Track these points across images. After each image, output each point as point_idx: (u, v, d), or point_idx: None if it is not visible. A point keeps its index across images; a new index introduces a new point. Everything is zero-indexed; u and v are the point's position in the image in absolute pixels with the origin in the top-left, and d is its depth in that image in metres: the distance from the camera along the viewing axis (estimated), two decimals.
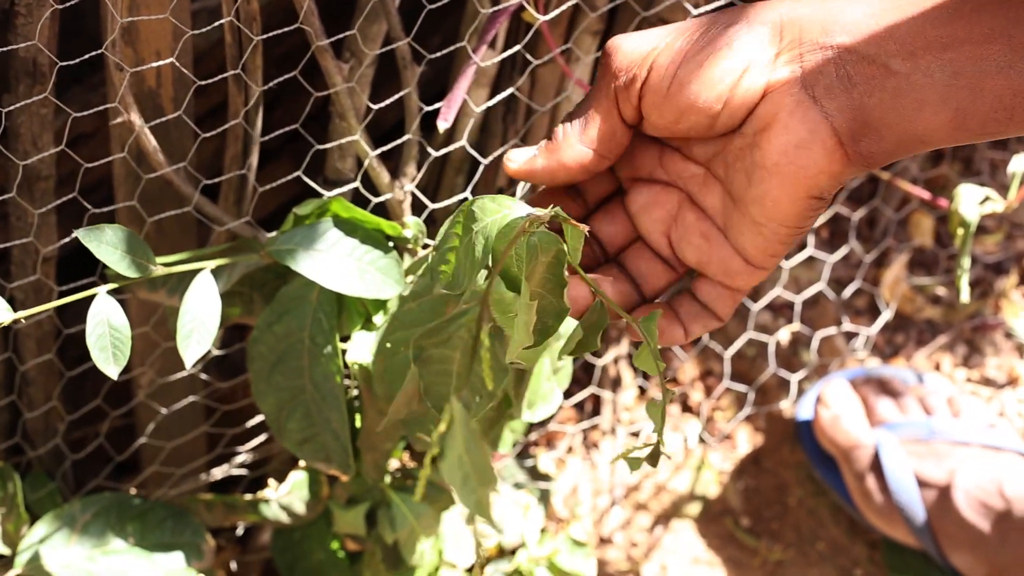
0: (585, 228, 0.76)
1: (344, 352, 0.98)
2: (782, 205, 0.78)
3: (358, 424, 1.05)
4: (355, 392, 1.05)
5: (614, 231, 0.87)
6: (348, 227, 0.95)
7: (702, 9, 1.08)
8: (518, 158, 0.84)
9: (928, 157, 1.66)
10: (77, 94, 1.11)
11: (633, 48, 0.80)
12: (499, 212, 0.79)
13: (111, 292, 0.88)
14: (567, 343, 0.80)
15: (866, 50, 0.75)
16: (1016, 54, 0.73)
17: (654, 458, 0.80)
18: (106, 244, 0.86)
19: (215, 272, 0.94)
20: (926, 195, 1.37)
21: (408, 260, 1.01)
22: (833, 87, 0.76)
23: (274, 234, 0.97)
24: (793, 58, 0.77)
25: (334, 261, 0.93)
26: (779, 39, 0.77)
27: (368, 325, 0.98)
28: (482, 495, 0.68)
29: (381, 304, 0.98)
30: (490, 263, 0.78)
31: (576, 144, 0.82)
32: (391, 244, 0.96)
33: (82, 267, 1.12)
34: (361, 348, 0.98)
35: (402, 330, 0.94)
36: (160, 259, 0.93)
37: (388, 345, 0.95)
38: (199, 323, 0.89)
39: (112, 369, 0.86)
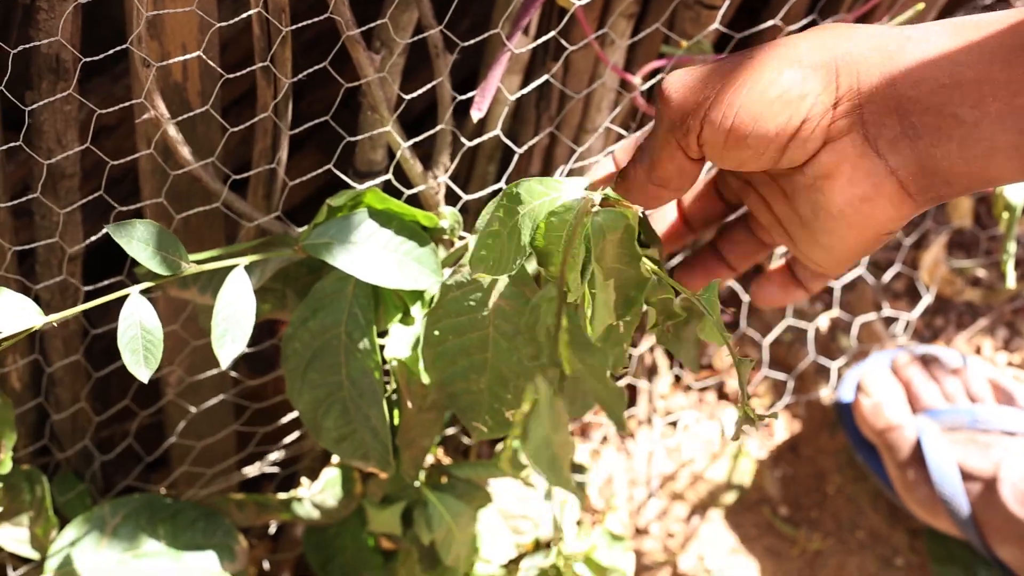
0: (639, 209, 0.74)
1: (382, 348, 0.96)
2: (849, 241, 0.77)
3: (396, 421, 1.03)
4: (392, 388, 1.02)
5: (702, 206, 0.88)
6: (383, 218, 0.92)
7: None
8: (599, 171, 0.86)
9: None
10: (99, 85, 1.09)
11: (684, 97, 0.77)
12: (547, 195, 0.77)
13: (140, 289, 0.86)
14: (631, 326, 0.80)
15: (931, 100, 0.71)
16: None
17: (750, 420, 0.78)
18: (137, 240, 0.84)
19: (247, 268, 0.91)
20: None
21: (443, 251, 0.98)
22: (897, 140, 0.73)
23: (306, 228, 0.94)
24: (852, 108, 0.73)
25: (370, 253, 0.91)
26: (835, 86, 0.74)
27: (405, 319, 0.96)
28: (567, 473, 0.68)
29: (419, 296, 0.95)
30: (541, 245, 0.77)
31: (648, 185, 0.81)
32: (427, 234, 0.94)
33: (108, 265, 1.09)
34: (399, 343, 0.96)
35: (448, 318, 0.92)
36: (191, 256, 0.91)
37: (436, 333, 0.92)
38: (234, 321, 0.86)
39: (144, 372, 0.84)
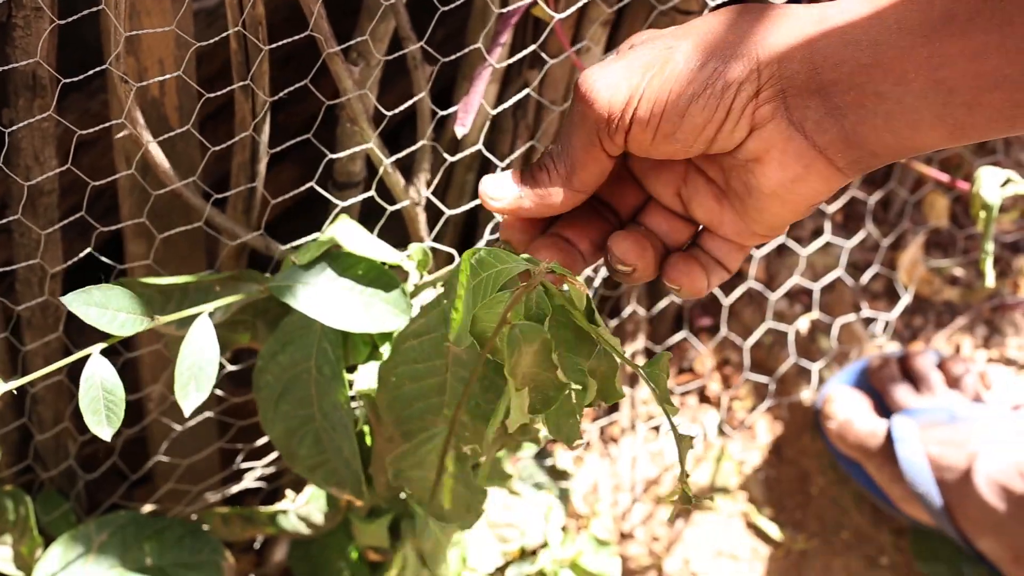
0: (586, 289, 0.74)
1: (351, 383, 0.96)
2: (784, 215, 0.78)
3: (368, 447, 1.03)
4: (364, 421, 1.03)
5: (624, 193, 0.85)
6: (349, 261, 0.92)
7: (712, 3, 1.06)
8: (501, 195, 0.81)
9: None
10: (75, 101, 1.08)
11: (610, 96, 0.76)
12: (499, 266, 0.76)
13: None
14: (586, 395, 0.78)
15: (853, 80, 0.72)
16: (1013, 67, 0.69)
17: (687, 499, 0.78)
18: (95, 307, 0.84)
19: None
20: (944, 177, 1.34)
21: (413, 283, 0.98)
22: (822, 120, 0.73)
23: (284, 249, 0.94)
24: (775, 94, 0.74)
25: (336, 297, 0.91)
26: (757, 74, 0.74)
27: (374, 354, 0.96)
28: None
29: (387, 336, 0.96)
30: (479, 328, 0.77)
31: (562, 189, 0.80)
32: (394, 275, 0.94)
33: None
34: (368, 378, 0.97)
35: (404, 365, 0.92)
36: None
37: (393, 379, 0.93)
38: (198, 369, 0.86)
39: (106, 431, 0.84)
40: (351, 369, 0.97)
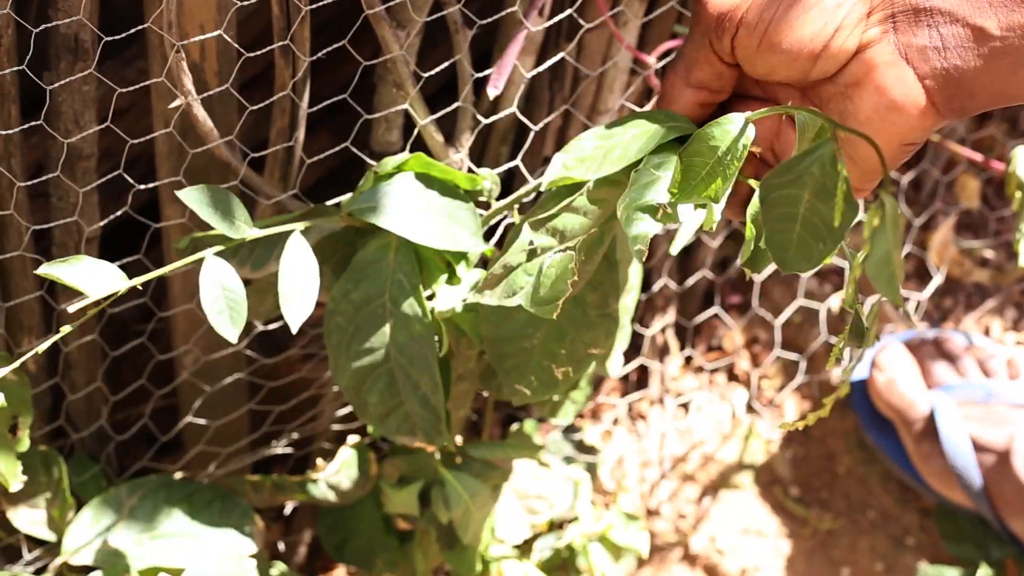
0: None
1: (432, 310, 0.96)
2: (877, 155, 0.77)
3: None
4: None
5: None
6: (426, 181, 0.92)
7: None
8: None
9: (974, 117, 1.63)
10: (111, 68, 1.09)
11: (722, 3, 0.78)
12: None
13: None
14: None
15: (960, 12, 0.73)
16: None
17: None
18: (208, 205, 0.84)
19: (276, 238, 0.92)
20: (978, 157, 1.34)
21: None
22: (926, 51, 0.74)
23: (350, 196, 0.94)
24: (885, 18, 0.75)
25: (416, 215, 0.91)
26: None
27: (452, 279, 0.96)
28: (899, 290, 0.70)
29: (462, 256, 0.95)
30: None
31: (685, 89, 0.82)
32: (468, 197, 0.93)
33: (124, 247, 1.09)
34: (448, 300, 0.96)
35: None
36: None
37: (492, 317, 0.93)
38: (299, 284, 0.86)
39: (231, 331, 0.84)
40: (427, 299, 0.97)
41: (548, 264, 0.82)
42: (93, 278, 0.82)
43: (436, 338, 0.95)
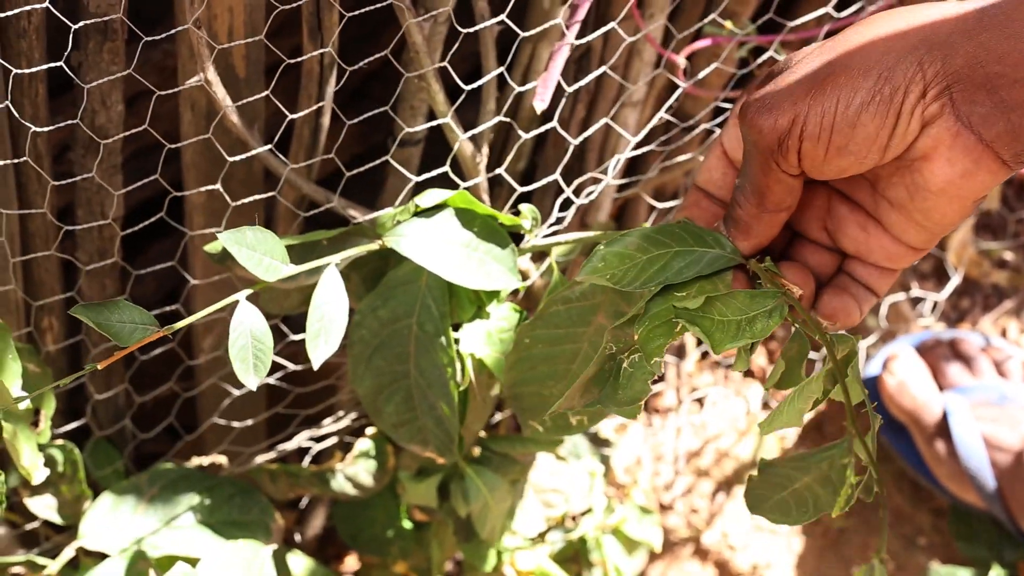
0: (797, 291, 0.80)
1: (457, 341, 0.96)
2: (949, 216, 0.78)
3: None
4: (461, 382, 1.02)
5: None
6: (466, 217, 0.92)
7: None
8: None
9: None
10: (134, 51, 1.08)
11: (775, 120, 0.77)
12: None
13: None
14: (771, 377, 0.81)
15: (1017, 74, 0.72)
16: None
17: (868, 490, 0.83)
18: (246, 248, 0.82)
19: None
20: None
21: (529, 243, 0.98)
22: (990, 115, 0.73)
23: (386, 215, 0.93)
24: (942, 91, 0.74)
25: (453, 251, 0.91)
26: (922, 74, 0.74)
27: (480, 314, 0.96)
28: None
29: (495, 293, 0.96)
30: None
31: (762, 216, 0.81)
32: (507, 235, 0.93)
33: (144, 230, 1.09)
34: (475, 339, 0.97)
35: (544, 329, 0.93)
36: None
37: (527, 340, 0.94)
38: (328, 321, 0.85)
39: (252, 380, 0.82)
40: (454, 328, 0.97)
41: (627, 367, 0.82)
42: (126, 325, 0.80)
43: (459, 368, 0.96)
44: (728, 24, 1.08)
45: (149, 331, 0.79)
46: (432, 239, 0.91)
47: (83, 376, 1.10)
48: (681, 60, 1.06)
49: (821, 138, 0.76)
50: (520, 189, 1.07)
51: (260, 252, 0.83)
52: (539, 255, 1.08)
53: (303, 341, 1.14)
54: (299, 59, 0.95)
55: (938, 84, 0.74)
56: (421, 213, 0.92)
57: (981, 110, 0.73)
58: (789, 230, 0.85)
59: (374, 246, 0.91)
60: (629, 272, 0.80)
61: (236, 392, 1.16)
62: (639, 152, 1.18)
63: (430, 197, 0.92)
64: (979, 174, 0.75)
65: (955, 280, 1.55)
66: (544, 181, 1.11)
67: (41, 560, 1.07)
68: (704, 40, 1.09)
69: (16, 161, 0.93)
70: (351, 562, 1.39)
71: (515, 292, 1.04)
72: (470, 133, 0.99)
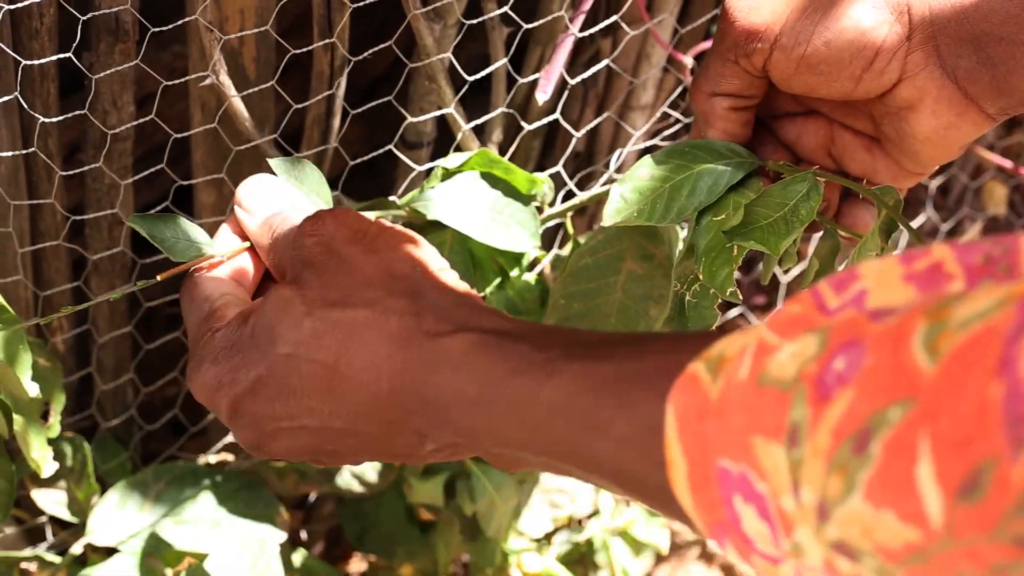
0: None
1: None
2: (936, 157, 0.80)
3: None
4: None
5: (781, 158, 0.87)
6: (491, 180, 0.92)
7: None
8: None
9: (1002, 124, 1.63)
10: (147, 51, 1.08)
11: (750, 20, 0.77)
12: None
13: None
14: (805, 277, 0.83)
15: (1003, 31, 0.73)
16: None
17: None
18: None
19: None
20: (1007, 163, 1.34)
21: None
22: (975, 70, 0.75)
23: (413, 193, 0.94)
24: (926, 40, 0.75)
25: (480, 213, 0.91)
26: (908, 18, 0.75)
27: (505, 282, 0.96)
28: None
29: (517, 260, 0.96)
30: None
31: (712, 99, 0.81)
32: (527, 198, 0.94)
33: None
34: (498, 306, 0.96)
35: (576, 285, 0.92)
36: None
37: (562, 301, 0.93)
38: None
39: None
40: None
41: (690, 298, 0.83)
42: (180, 241, 0.80)
43: None
44: None
45: (203, 250, 0.79)
46: (461, 201, 0.91)
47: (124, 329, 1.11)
48: (688, 60, 1.06)
49: (795, 51, 0.77)
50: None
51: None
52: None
53: None
54: (308, 48, 0.95)
55: (923, 32, 0.75)
56: (447, 177, 0.93)
57: (966, 64, 0.75)
58: (795, 158, 0.86)
59: (402, 213, 0.91)
60: (657, 204, 0.81)
61: None
62: (645, 145, 1.19)
63: (455, 159, 0.92)
64: (963, 126, 0.77)
65: None
66: (547, 172, 1.12)
67: (49, 556, 1.08)
68: (709, 41, 1.10)
69: (26, 152, 0.94)
70: (357, 564, 1.39)
71: (533, 265, 1.04)
72: (473, 124, 0.99)
